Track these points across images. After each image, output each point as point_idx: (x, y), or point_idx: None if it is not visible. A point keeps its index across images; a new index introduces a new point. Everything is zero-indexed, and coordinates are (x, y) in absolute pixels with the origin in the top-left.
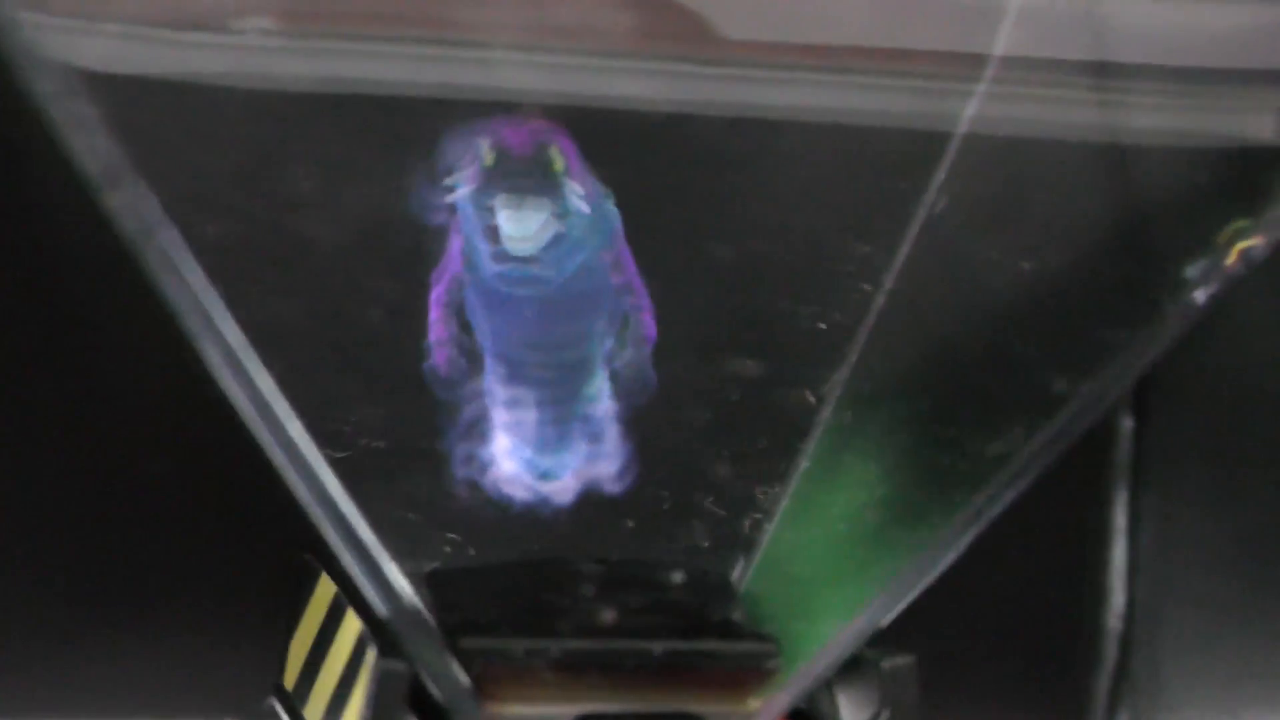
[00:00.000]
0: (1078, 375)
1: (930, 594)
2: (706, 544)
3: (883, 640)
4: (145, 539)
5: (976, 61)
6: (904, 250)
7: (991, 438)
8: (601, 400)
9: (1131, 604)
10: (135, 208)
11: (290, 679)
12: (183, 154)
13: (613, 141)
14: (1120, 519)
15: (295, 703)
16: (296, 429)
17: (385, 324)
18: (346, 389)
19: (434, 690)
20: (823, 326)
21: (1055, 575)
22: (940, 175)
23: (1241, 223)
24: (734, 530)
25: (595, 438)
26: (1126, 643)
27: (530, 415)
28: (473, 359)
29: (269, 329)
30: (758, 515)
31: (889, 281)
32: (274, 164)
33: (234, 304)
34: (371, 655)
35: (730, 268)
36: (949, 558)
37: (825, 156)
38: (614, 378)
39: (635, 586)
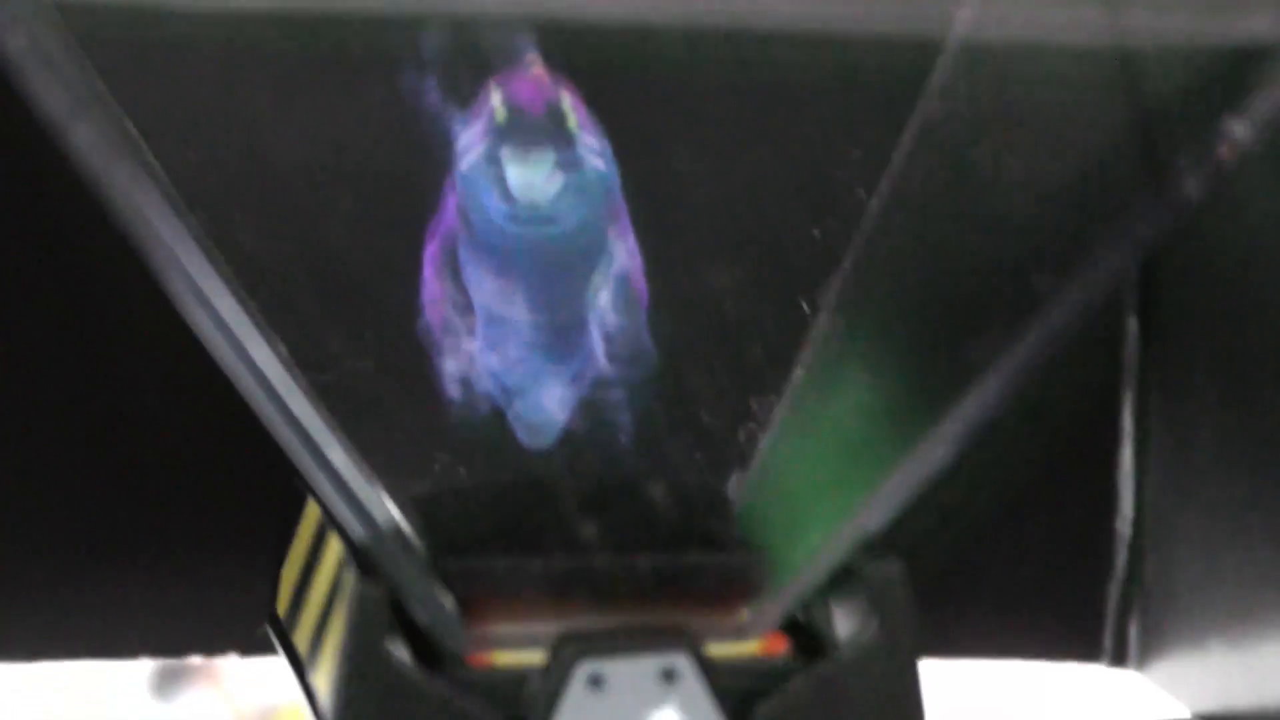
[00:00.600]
0: (1068, 274)
1: (939, 504)
2: (701, 457)
3: (890, 552)
4: (145, 473)
5: None
6: (899, 156)
7: (980, 339)
8: (594, 360)
9: (1140, 509)
10: (100, 141)
11: (283, 606)
12: (158, 84)
13: (596, 58)
14: (1128, 424)
15: (287, 630)
16: (263, 354)
17: (374, 255)
18: (332, 315)
19: (417, 612)
20: (817, 234)
21: (1063, 481)
22: (933, 82)
23: (1230, 115)
24: (730, 442)
25: (586, 392)
26: (1136, 548)
27: (523, 370)
28: (465, 316)
29: (248, 256)
30: (753, 426)
31: (883, 186)
32: (256, 94)
33: (214, 231)
34: (350, 578)
35: (723, 179)
36: (936, 463)
37: (818, 68)
38: (607, 339)
39: (619, 502)
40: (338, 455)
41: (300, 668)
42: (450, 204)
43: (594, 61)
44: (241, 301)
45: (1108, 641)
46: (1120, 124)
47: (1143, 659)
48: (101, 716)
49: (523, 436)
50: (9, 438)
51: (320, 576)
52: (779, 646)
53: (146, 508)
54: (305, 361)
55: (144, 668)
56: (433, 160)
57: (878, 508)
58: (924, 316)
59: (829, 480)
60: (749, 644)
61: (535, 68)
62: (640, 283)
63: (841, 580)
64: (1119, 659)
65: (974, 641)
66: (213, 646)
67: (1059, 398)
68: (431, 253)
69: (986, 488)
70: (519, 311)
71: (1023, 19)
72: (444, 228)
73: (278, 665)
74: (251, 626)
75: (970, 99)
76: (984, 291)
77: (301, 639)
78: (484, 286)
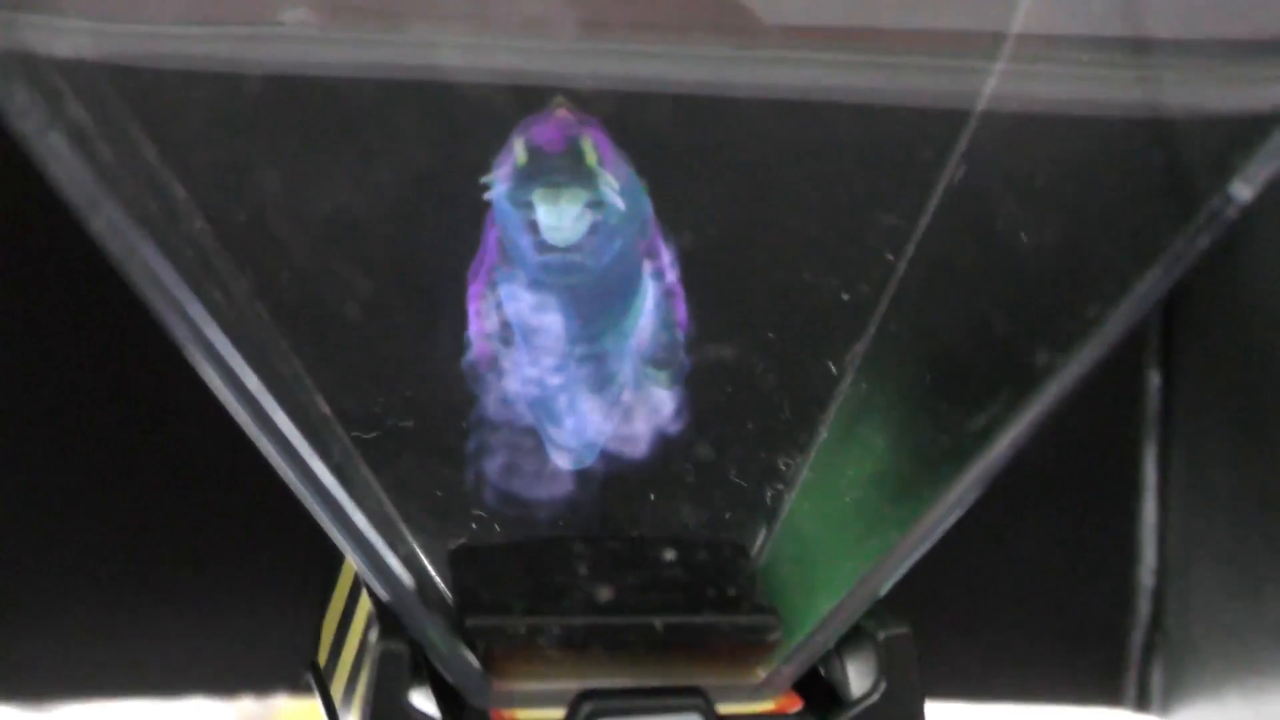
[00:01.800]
0: (1085, 332)
1: (966, 552)
2: (729, 516)
3: (914, 603)
4: (195, 518)
5: (995, 40)
6: (925, 220)
7: (997, 400)
8: (633, 385)
9: (1163, 560)
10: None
11: (322, 655)
12: (197, 144)
13: (641, 124)
14: (1150, 475)
15: (325, 679)
16: (282, 419)
17: (411, 309)
18: (370, 372)
19: (442, 668)
20: (846, 297)
21: (1087, 533)
22: (960, 148)
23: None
24: (758, 502)
25: (625, 420)
26: (1159, 598)
27: (562, 402)
28: (509, 350)
29: (291, 313)
30: (780, 486)
31: (910, 251)
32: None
33: (259, 288)
34: (373, 636)
35: (755, 243)
36: (945, 526)
37: (849, 134)
38: (648, 363)
39: (639, 562)
40: (359, 518)
41: (334, 717)
42: (491, 240)
43: (622, 125)
44: (254, 361)
45: (1131, 687)
46: (1138, 183)
47: (1166, 705)
48: (103, 713)
49: (560, 461)
50: (68, 485)
51: (354, 630)
52: (793, 704)
53: (199, 552)
54: (346, 419)
55: None
56: (471, 208)
57: (891, 567)
58: (943, 377)
59: (845, 540)
60: (764, 703)
61: (560, 110)
62: (680, 304)
63: (852, 639)
64: (1143, 705)
65: (1001, 686)
66: (263, 687)
67: (1083, 448)
68: (475, 291)
69: (1013, 536)
70: (555, 349)
71: (1045, 89)
72: (486, 265)
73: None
74: (298, 669)
75: (994, 164)
76: (1003, 352)
77: (336, 689)
78: (523, 323)
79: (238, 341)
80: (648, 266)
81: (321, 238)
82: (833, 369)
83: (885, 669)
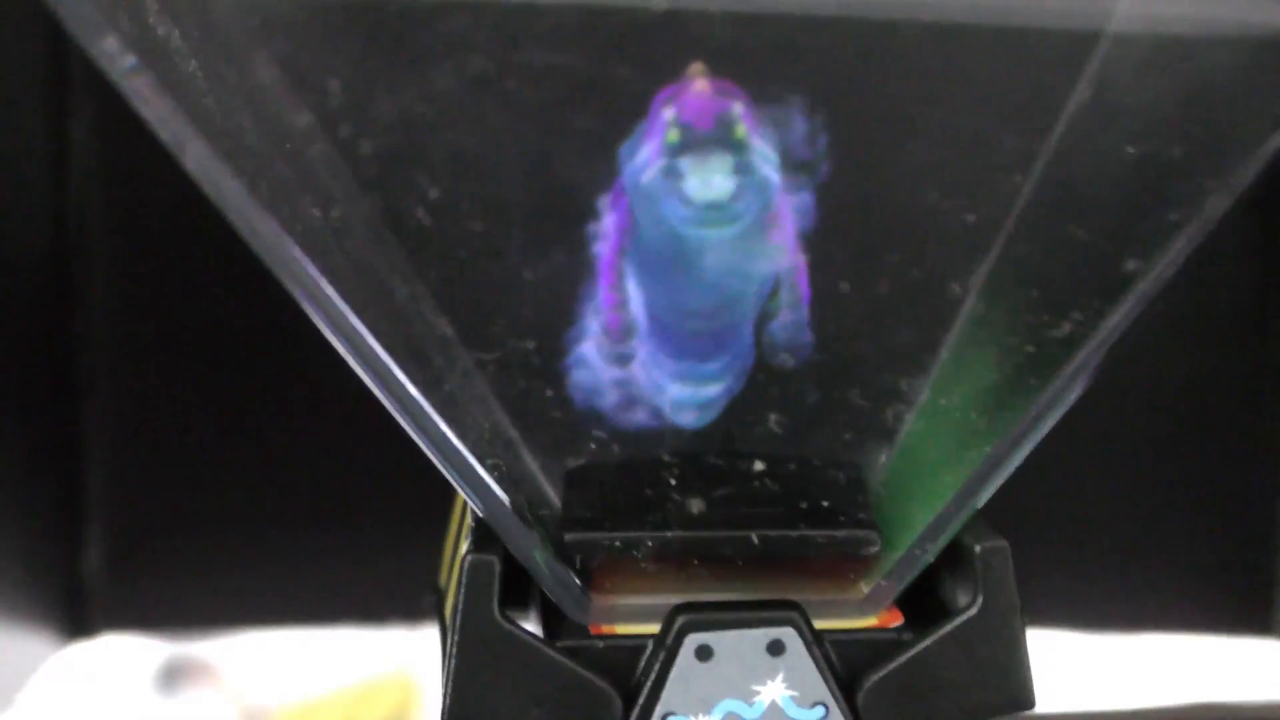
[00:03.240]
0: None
1: (1115, 487)
2: (850, 437)
3: (1065, 535)
4: (344, 450)
5: None
6: (1050, 143)
7: (1081, 316)
8: (750, 352)
9: None
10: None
11: (443, 577)
12: (333, 71)
13: (764, 47)
14: None
15: (442, 600)
16: (374, 344)
17: (536, 234)
18: (492, 295)
19: (541, 583)
20: (971, 219)
21: (1232, 465)
22: (1088, 72)
23: None
24: (879, 421)
25: (748, 358)
26: None
27: (680, 374)
28: (633, 322)
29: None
30: (901, 406)
31: (1036, 173)
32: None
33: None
34: (464, 548)
35: (882, 166)
36: (1035, 438)
37: (975, 56)
38: (770, 336)
39: (740, 478)
40: (453, 437)
41: (445, 637)
42: (621, 208)
43: (744, 50)
44: (347, 284)
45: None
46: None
47: None
48: (105, 711)
49: (675, 418)
50: (226, 425)
51: (460, 548)
52: (894, 620)
53: (348, 485)
54: (468, 340)
55: (149, 664)
56: (598, 158)
57: (984, 478)
58: (1059, 299)
59: (947, 456)
60: (866, 618)
61: (699, 82)
62: (804, 280)
63: (951, 553)
64: None
65: (1151, 617)
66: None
67: (1227, 381)
68: (606, 256)
69: (1166, 469)
70: (687, 306)
71: (1178, 12)
72: (615, 230)
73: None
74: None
75: (1124, 89)
76: (1112, 272)
77: (447, 608)
78: (656, 284)
79: (327, 267)
80: (774, 241)
81: (448, 162)
82: (957, 289)
83: (983, 583)
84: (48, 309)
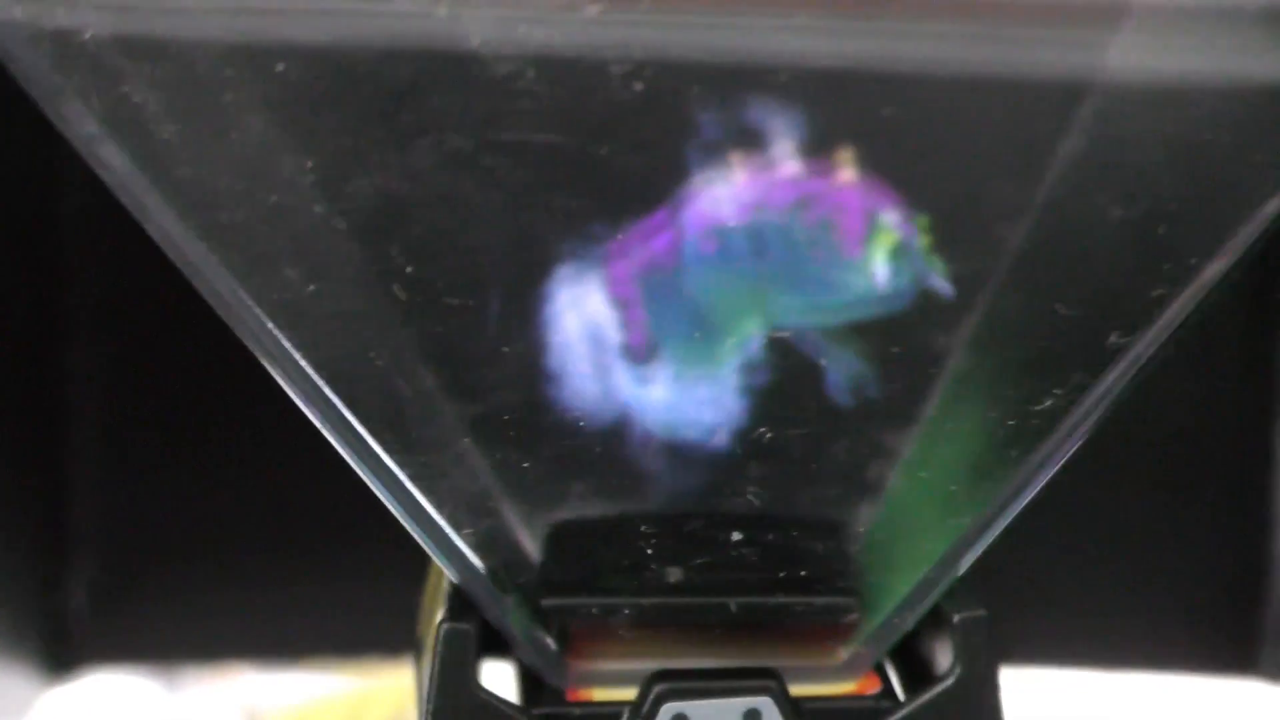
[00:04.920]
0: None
1: (1100, 528)
2: (833, 494)
3: (1048, 573)
4: (326, 491)
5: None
6: (1040, 193)
7: (1063, 385)
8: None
9: None
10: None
11: (420, 628)
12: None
13: (752, 97)
14: None
15: (420, 654)
16: (346, 412)
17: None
18: (475, 348)
19: (517, 649)
20: (960, 271)
21: (1221, 504)
22: (1076, 124)
23: None
24: (860, 481)
25: (733, 411)
26: None
27: (676, 394)
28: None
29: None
30: (883, 464)
31: (1025, 226)
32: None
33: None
34: (440, 613)
35: None
36: (1016, 508)
37: (964, 108)
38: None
39: (718, 543)
40: (426, 503)
41: (420, 698)
42: (663, 242)
43: (733, 99)
44: (310, 345)
45: (1268, 660)
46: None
47: None
48: (110, 711)
49: (668, 458)
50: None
51: (436, 611)
52: (872, 686)
53: (327, 524)
54: (452, 394)
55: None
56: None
57: (966, 547)
58: (1050, 353)
59: (929, 520)
60: (843, 684)
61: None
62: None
63: (931, 621)
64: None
65: (1136, 656)
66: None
67: (1216, 420)
68: (618, 275)
69: (1150, 509)
70: (686, 350)
71: (1166, 61)
72: (653, 254)
73: None
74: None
75: (1109, 138)
76: (1101, 326)
77: (423, 666)
78: (666, 323)
79: (301, 335)
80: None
81: (435, 217)
82: (943, 343)
83: (961, 653)
84: (33, 338)
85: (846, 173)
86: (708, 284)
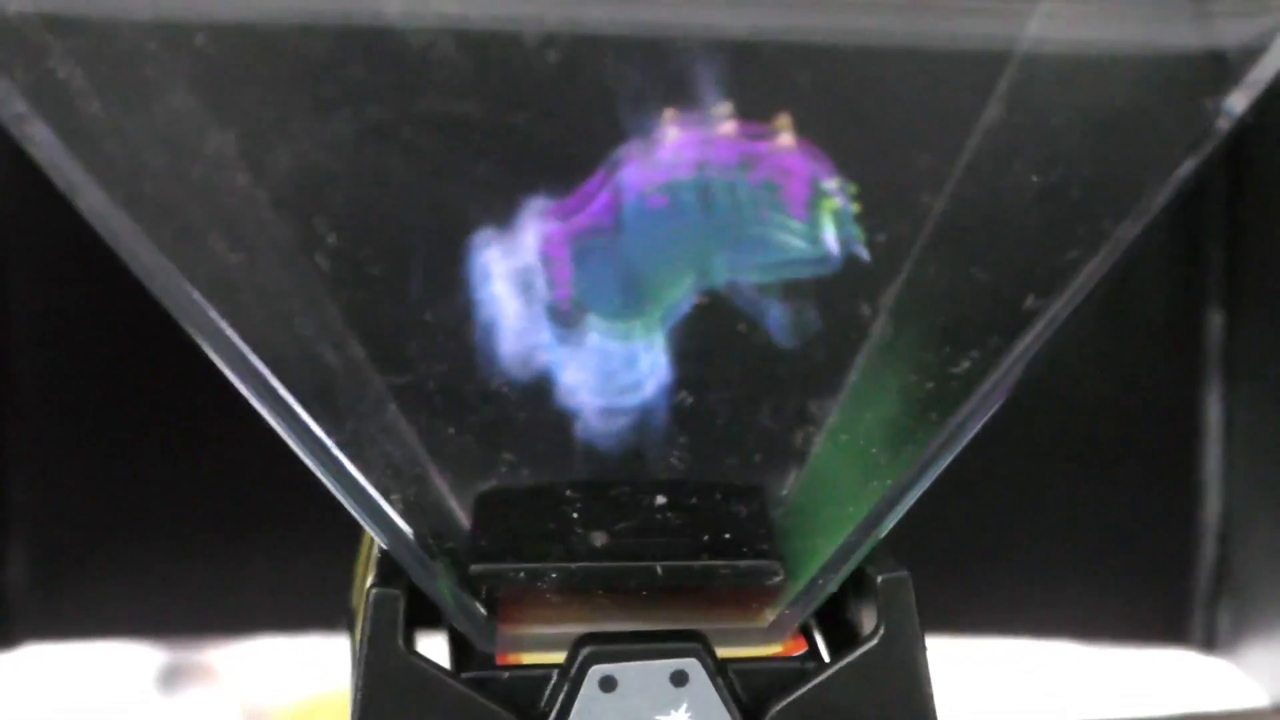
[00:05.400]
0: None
1: (1030, 498)
2: (758, 460)
3: (980, 543)
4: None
5: None
6: (962, 162)
7: (977, 348)
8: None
9: (1228, 501)
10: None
11: (353, 598)
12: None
13: (681, 69)
14: (1214, 415)
15: (353, 624)
16: (274, 381)
17: (447, 255)
18: (404, 317)
19: (446, 614)
20: (883, 239)
21: (1152, 475)
22: (996, 92)
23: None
24: (786, 446)
25: (660, 376)
26: (1224, 540)
27: (601, 359)
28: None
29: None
30: (810, 429)
31: (947, 192)
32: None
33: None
34: (369, 581)
35: None
36: (936, 470)
37: (888, 78)
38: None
39: (644, 508)
40: (354, 470)
41: (353, 665)
42: (601, 203)
43: (658, 72)
44: (240, 323)
45: (1197, 629)
46: (1145, 111)
47: (1232, 646)
48: (108, 710)
49: (595, 423)
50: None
51: (366, 578)
52: (798, 647)
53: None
54: (381, 363)
55: (151, 663)
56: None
57: (886, 509)
58: (963, 326)
59: (852, 484)
60: (770, 646)
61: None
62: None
63: (854, 582)
64: (1209, 646)
65: (1067, 626)
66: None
67: (1147, 390)
68: (557, 237)
69: (1079, 481)
70: (614, 307)
71: (1084, 31)
72: (588, 218)
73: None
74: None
75: (1029, 105)
76: (1017, 290)
77: (355, 635)
78: (594, 284)
79: (229, 306)
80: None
81: (358, 188)
82: (866, 310)
83: (884, 613)
84: None
85: (786, 138)
86: (640, 245)
